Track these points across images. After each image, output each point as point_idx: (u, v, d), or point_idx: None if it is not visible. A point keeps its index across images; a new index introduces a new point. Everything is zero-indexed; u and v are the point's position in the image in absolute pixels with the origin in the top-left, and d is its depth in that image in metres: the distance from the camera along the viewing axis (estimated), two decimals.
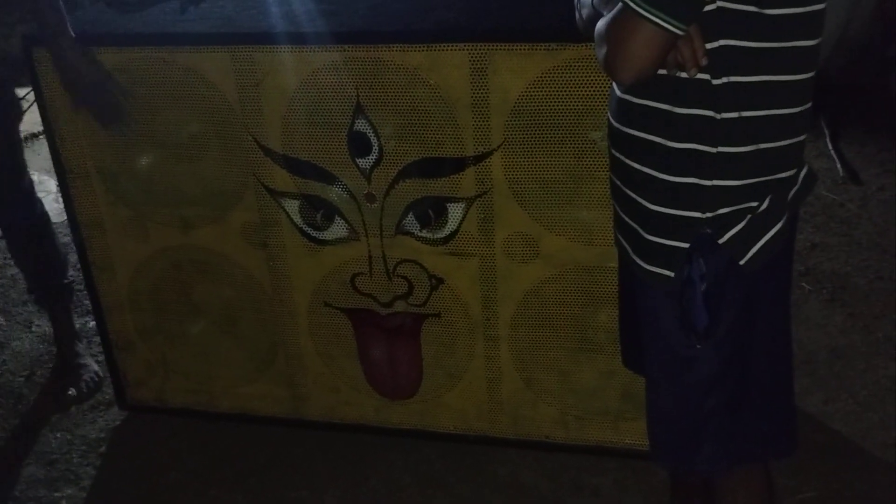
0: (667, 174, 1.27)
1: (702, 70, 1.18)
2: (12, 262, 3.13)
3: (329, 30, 1.92)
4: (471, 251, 1.96)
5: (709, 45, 1.17)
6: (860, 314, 2.61)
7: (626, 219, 1.37)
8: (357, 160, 1.92)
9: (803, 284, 2.75)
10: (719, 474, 1.47)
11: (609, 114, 1.37)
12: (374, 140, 1.89)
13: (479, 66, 1.78)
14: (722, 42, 1.18)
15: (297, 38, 1.90)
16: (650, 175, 1.28)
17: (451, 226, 1.95)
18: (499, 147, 1.84)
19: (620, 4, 1.13)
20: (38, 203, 2.37)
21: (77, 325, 2.65)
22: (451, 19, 1.91)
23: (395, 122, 1.88)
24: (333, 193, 1.98)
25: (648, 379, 1.48)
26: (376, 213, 1.97)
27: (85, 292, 2.38)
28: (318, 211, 2.01)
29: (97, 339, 2.51)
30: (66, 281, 2.50)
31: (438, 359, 2.12)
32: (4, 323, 2.84)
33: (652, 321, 1.40)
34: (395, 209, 1.96)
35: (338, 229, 2.02)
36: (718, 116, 1.21)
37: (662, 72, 1.20)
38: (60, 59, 1.93)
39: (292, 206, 2.02)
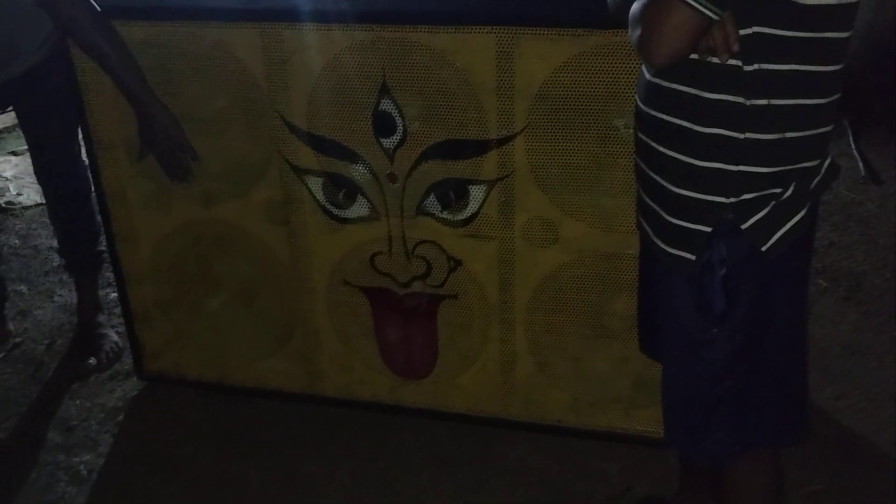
0: (693, 158, 1.28)
1: (733, 56, 1.19)
2: (36, 233, 3.20)
3: (357, 10, 1.94)
4: (490, 234, 1.98)
5: (742, 32, 1.18)
6: (875, 312, 2.61)
7: (650, 202, 1.39)
8: (381, 140, 1.94)
9: (819, 281, 2.75)
10: (729, 460, 1.49)
11: (637, 97, 1.38)
12: (398, 120, 1.91)
13: (505, 49, 1.79)
14: (755, 29, 1.19)
15: (326, 17, 1.91)
16: (676, 159, 1.30)
17: (471, 208, 1.97)
18: (522, 131, 1.85)
19: None
20: (83, 171, 2.41)
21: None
22: (479, 2, 1.92)
23: (420, 104, 1.89)
24: (356, 172, 2.00)
25: (664, 362, 1.50)
26: (398, 194, 1.99)
27: (108, 263, 2.42)
28: (341, 189, 2.03)
29: (117, 310, 2.55)
30: (98, 249, 2.54)
31: (454, 340, 2.14)
32: (27, 292, 2.88)
33: (670, 304, 1.42)
34: (416, 190, 1.98)
35: (359, 208, 2.04)
36: (748, 103, 1.22)
37: (694, 56, 1.21)
38: (145, 113, 1.98)
39: (315, 183, 2.04)
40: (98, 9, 1.93)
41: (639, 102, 1.37)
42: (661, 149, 1.32)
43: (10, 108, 2.43)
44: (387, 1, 1.96)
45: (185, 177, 2.07)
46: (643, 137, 1.37)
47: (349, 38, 1.88)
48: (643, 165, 1.39)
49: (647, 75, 1.33)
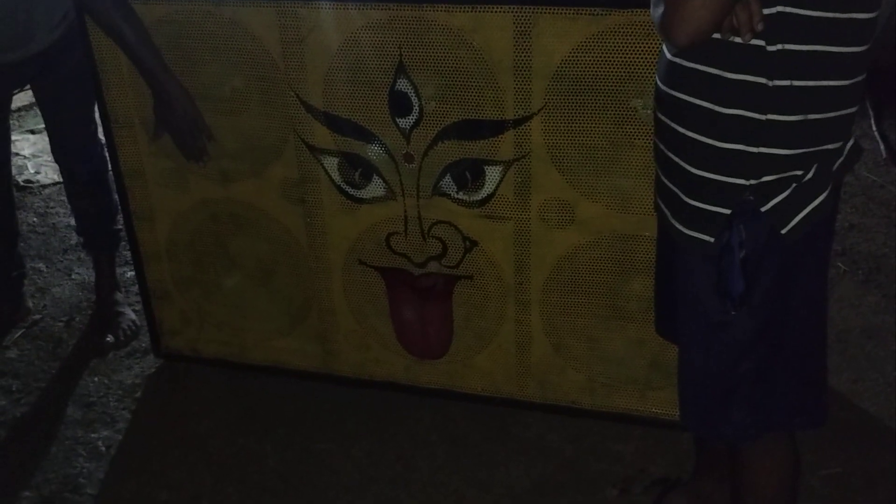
0: (713, 139, 1.27)
1: (756, 36, 1.17)
2: (54, 211, 3.22)
3: None
4: (506, 215, 1.97)
5: (766, 11, 1.16)
6: (894, 295, 2.59)
7: (668, 183, 1.38)
8: (397, 120, 1.93)
9: (839, 264, 2.73)
10: (746, 442, 1.48)
11: (657, 77, 1.36)
12: (414, 100, 1.90)
13: (522, 29, 1.77)
14: (779, 8, 1.17)
15: None
16: (696, 139, 1.28)
17: (487, 188, 1.96)
18: (539, 111, 1.84)
19: None
20: (99, 149, 2.42)
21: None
22: None
23: (437, 83, 1.88)
24: (372, 152, 1.99)
25: (681, 343, 1.49)
26: (414, 174, 1.99)
27: (125, 242, 2.43)
28: (357, 169, 2.03)
29: (135, 288, 2.56)
30: (115, 227, 2.55)
31: (469, 321, 2.14)
32: (46, 270, 2.91)
33: (688, 285, 1.41)
34: (432, 170, 1.97)
35: (375, 188, 2.04)
36: (770, 84, 1.21)
37: (716, 36, 1.20)
38: (162, 92, 1.98)
39: (331, 163, 2.04)
40: None
41: (659, 83, 1.35)
42: (682, 130, 1.30)
43: (28, 86, 2.43)
44: None
45: (201, 156, 2.08)
46: (663, 118, 1.35)
47: (366, 16, 1.87)
48: (662, 146, 1.37)
49: (668, 55, 1.31)
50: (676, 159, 1.33)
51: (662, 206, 1.42)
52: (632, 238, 1.91)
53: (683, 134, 1.30)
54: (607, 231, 1.93)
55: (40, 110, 2.47)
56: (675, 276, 1.46)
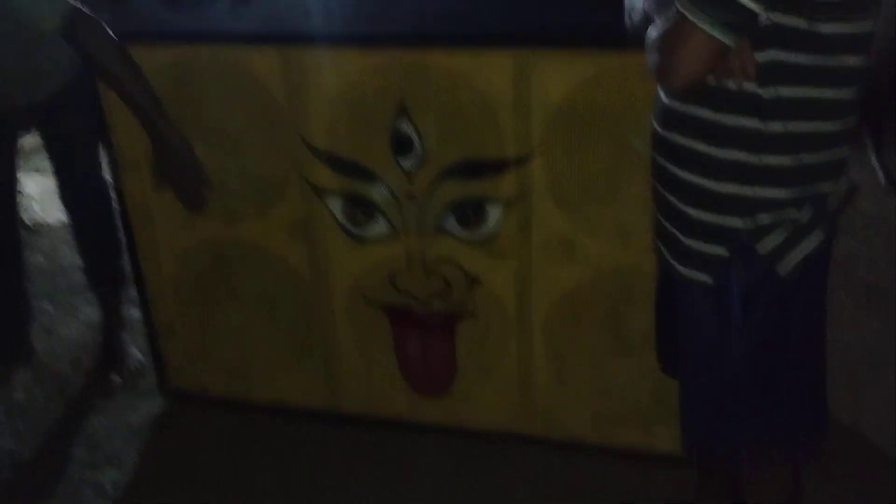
0: (709, 181, 1.29)
1: (750, 81, 1.20)
2: (61, 251, 3.25)
3: (375, 32, 1.96)
4: (508, 251, 2.00)
5: (759, 57, 1.19)
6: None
7: (666, 223, 1.40)
8: (399, 159, 1.96)
9: (840, 293, 2.74)
10: (745, 472, 1.49)
11: (653, 119, 1.39)
12: (416, 140, 1.93)
13: (522, 70, 1.81)
14: (772, 55, 1.20)
15: (344, 40, 1.94)
16: (692, 181, 1.31)
17: (489, 226, 1.98)
18: (539, 150, 1.87)
19: (674, 13, 1.16)
20: (105, 189, 2.45)
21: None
22: (495, 23, 1.94)
23: (438, 124, 1.91)
24: (375, 191, 2.02)
25: (682, 373, 1.51)
26: (416, 212, 2.01)
27: (131, 281, 2.45)
28: (360, 208, 2.05)
29: (141, 327, 2.58)
30: (121, 266, 2.57)
31: (473, 357, 2.16)
32: (52, 310, 2.92)
33: (688, 318, 1.43)
34: (435, 208, 2.00)
35: (378, 227, 2.06)
36: (764, 127, 1.23)
37: (710, 80, 1.23)
38: (162, 143, 1.95)
39: (335, 202, 2.07)
40: (115, 38, 1.93)
41: (655, 125, 1.38)
42: (677, 171, 1.33)
43: (35, 130, 2.47)
44: (405, 23, 1.99)
45: (201, 207, 2.07)
46: (659, 159, 1.38)
47: (367, 60, 1.91)
48: (659, 187, 1.40)
49: (664, 98, 1.34)
50: (673, 200, 1.36)
51: (661, 245, 1.44)
52: (632, 272, 1.93)
53: (679, 175, 1.33)
54: (608, 266, 1.95)
55: (47, 152, 2.50)
56: (674, 312, 1.48)
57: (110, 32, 1.93)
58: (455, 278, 2.07)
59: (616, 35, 1.57)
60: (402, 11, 2.10)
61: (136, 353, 2.62)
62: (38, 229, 3.44)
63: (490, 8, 2.03)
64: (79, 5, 1.92)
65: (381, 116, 1.94)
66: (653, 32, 1.23)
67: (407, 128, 1.93)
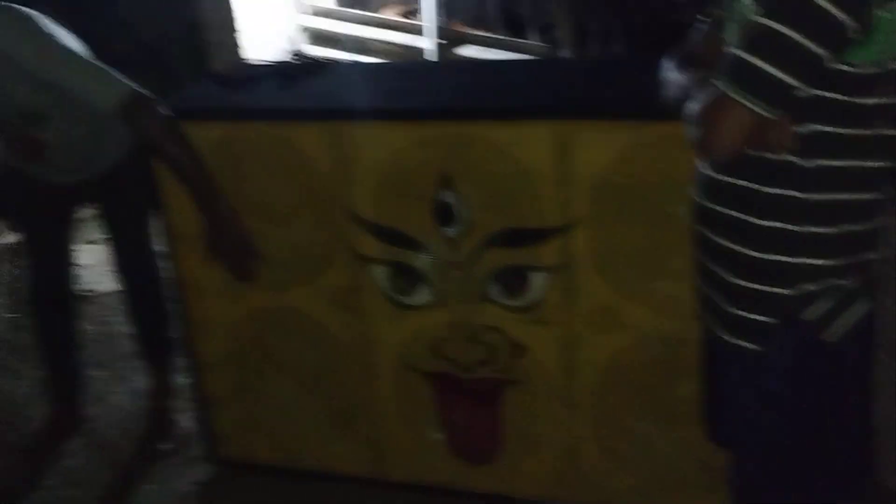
0: (752, 250, 1.30)
1: (790, 152, 1.22)
2: (112, 320, 3.32)
3: (418, 106, 2.03)
4: (552, 319, 2.01)
5: (799, 129, 1.22)
6: None
7: (710, 292, 1.41)
8: (443, 229, 2.00)
9: (883, 357, 2.69)
10: None
11: (694, 189, 1.42)
12: (459, 210, 1.97)
13: (562, 141, 1.85)
14: (811, 127, 1.22)
15: (388, 114, 2.01)
16: (734, 250, 1.32)
17: (533, 294, 2.00)
18: (581, 219, 1.90)
19: (713, 87, 1.19)
20: (156, 260, 2.52)
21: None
22: (535, 96, 1.99)
23: (481, 194, 1.95)
24: (419, 260, 2.06)
25: (730, 442, 1.50)
26: (460, 280, 2.04)
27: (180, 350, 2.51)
28: (405, 276, 2.09)
29: (189, 395, 2.62)
30: (170, 336, 2.63)
31: (518, 425, 2.16)
32: (103, 377, 2.98)
33: (734, 386, 1.42)
34: (478, 277, 2.02)
35: (423, 295, 2.09)
36: (805, 197, 1.25)
37: (750, 151, 1.25)
38: (214, 217, 2.05)
39: (380, 271, 2.11)
40: (170, 118, 2.02)
41: (696, 195, 1.40)
42: (720, 240, 1.35)
43: (92, 202, 2.57)
44: (447, 97, 2.05)
45: (250, 278, 2.14)
46: (700, 229, 1.40)
47: (411, 133, 1.96)
48: (702, 256, 1.41)
49: (705, 170, 1.36)
50: (716, 269, 1.37)
51: (706, 314, 1.45)
52: (678, 341, 1.92)
53: (722, 245, 1.34)
54: (653, 334, 1.95)
55: (102, 224, 2.59)
56: (720, 381, 1.48)
57: (165, 112, 2.02)
58: (499, 346, 2.08)
59: (655, 107, 1.61)
60: (443, 86, 2.17)
61: (185, 420, 2.65)
62: (91, 298, 3.53)
63: (529, 81, 2.09)
64: (137, 88, 2.02)
65: (424, 187, 1.98)
66: (692, 106, 1.26)
67: (450, 198, 1.97)
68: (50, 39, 2.02)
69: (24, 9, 2.07)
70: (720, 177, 1.32)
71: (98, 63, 2.06)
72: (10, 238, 3.85)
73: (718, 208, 1.34)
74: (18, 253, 3.64)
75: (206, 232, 2.08)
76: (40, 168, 2.30)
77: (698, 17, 1.49)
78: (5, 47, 2.00)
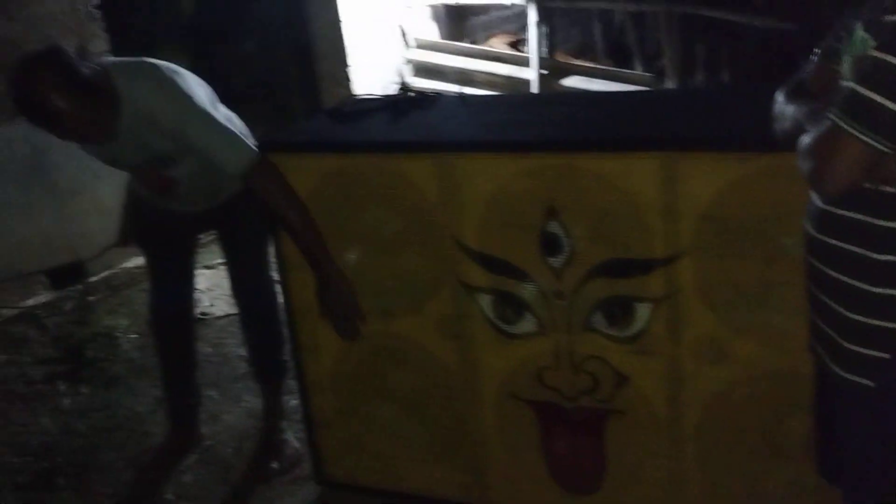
0: (867, 284, 1.28)
1: None
2: (226, 342, 3.47)
3: (525, 138, 2.07)
4: (657, 351, 2.00)
5: None
6: None
7: (823, 326, 1.39)
8: (548, 259, 2.03)
9: None
10: None
11: (807, 223, 1.40)
12: (565, 241, 2.00)
13: (669, 172, 1.85)
14: None
15: (496, 146, 2.05)
16: (850, 284, 1.30)
17: (638, 325, 2.00)
18: (688, 250, 1.89)
19: (828, 121, 1.18)
20: (272, 286, 2.65)
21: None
22: (642, 128, 2.00)
23: (586, 224, 1.97)
24: (525, 290, 2.08)
25: (844, 480, 1.46)
26: (565, 310, 2.06)
27: (291, 372, 2.60)
28: (510, 306, 2.12)
29: (299, 416, 2.71)
30: (283, 359, 2.74)
31: (621, 456, 2.14)
32: (217, 397, 3.12)
33: (849, 422, 1.39)
34: (583, 306, 2.03)
35: (527, 324, 2.12)
36: None
37: (867, 184, 1.23)
38: (323, 276, 2.22)
39: (485, 300, 2.14)
40: (287, 183, 2.18)
41: (809, 228, 1.39)
42: (835, 274, 1.33)
43: (212, 230, 2.71)
44: (553, 129, 2.08)
45: (353, 338, 2.28)
46: (814, 262, 1.38)
47: (518, 164, 2.00)
48: (815, 290, 1.39)
49: (818, 202, 1.35)
50: (831, 303, 1.35)
51: (818, 348, 1.43)
52: (788, 375, 1.88)
53: (836, 279, 1.32)
54: (762, 368, 1.91)
55: (222, 250, 2.73)
56: (833, 417, 1.45)
57: (284, 178, 2.19)
58: (603, 376, 2.08)
59: (763, 138, 1.60)
60: (550, 117, 2.21)
61: (294, 441, 2.75)
62: (207, 321, 3.69)
63: (636, 113, 2.10)
64: (260, 154, 2.18)
65: (530, 217, 2.01)
66: (806, 139, 1.26)
67: (556, 228, 2.00)
68: (190, 103, 2.20)
69: (168, 68, 2.26)
70: (834, 209, 1.31)
71: (229, 127, 2.23)
72: (138, 261, 4.09)
73: (832, 241, 1.32)
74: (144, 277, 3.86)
75: (317, 289, 2.24)
76: (169, 200, 2.46)
77: (812, 48, 1.48)
78: (150, 107, 2.19)
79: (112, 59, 2.45)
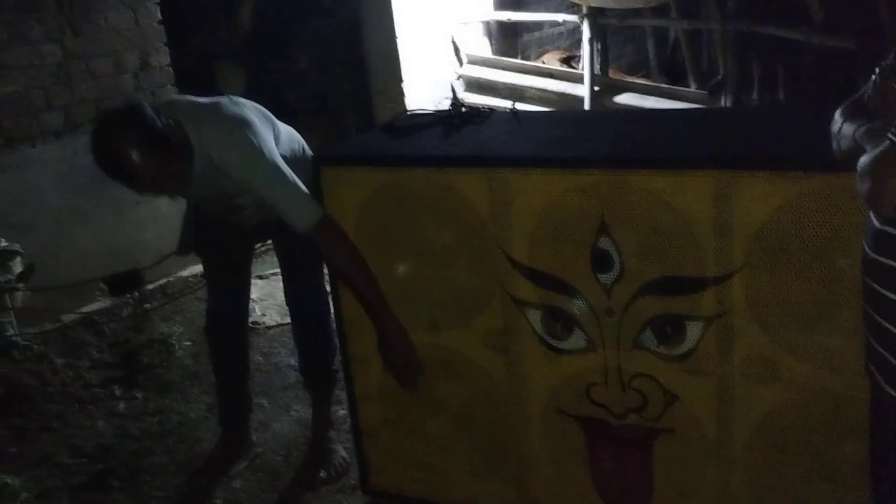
0: None
1: None
2: (277, 351, 3.53)
3: (578, 154, 2.07)
4: (708, 370, 1.98)
5: None
6: None
7: (880, 348, 1.37)
8: (599, 275, 2.03)
9: None
10: None
11: (864, 242, 1.39)
12: (616, 257, 1.99)
13: (722, 191, 1.84)
14: None
15: (548, 162, 2.06)
16: None
17: (688, 343, 1.99)
18: (740, 269, 1.87)
19: (887, 139, 1.17)
20: (325, 297, 2.69)
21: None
22: (695, 146, 1.99)
23: (638, 242, 1.97)
24: (574, 306, 2.08)
25: None
26: (614, 327, 2.05)
27: (341, 382, 2.63)
28: (559, 321, 2.12)
29: (347, 426, 2.74)
30: (333, 369, 2.78)
31: (669, 475, 2.13)
32: (268, 405, 3.17)
33: None
34: (633, 324, 2.03)
35: (576, 340, 2.12)
36: None
37: None
38: (382, 329, 2.29)
39: (534, 315, 2.15)
40: (350, 242, 2.25)
41: (867, 249, 1.37)
42: (892, 295, 1.31)
43: (269, 241, 2.77)
44: (606, 147, 2.09)
45: (412, 388, 2.33)
46: (871, 283, 1.36)
47: (570, 180, 2.01)
48: (871, 311, 1.38)
49: (876, 222, 1.33)
50: (887, 325, 1.33)
51: (874, 370, 1.41)
52: (842, 398, 1.86)
53: (893, 300, 1.30)
54: (815, 389, 1.88)
55: (278, 260, 2.78)
56: (890, 439, 1.42)
57: (345, 235, 2.25)
58: (652, 394, 2.07)
59: (819, 157, 1.59)
60: (602, 134, 2.21)
61: (342, 450, 2.78)
62: (258, 330, 3.76)
63: (690, 131, 2.09)
64: (323, 211, 2.24)
65: (581, 233, 2.02)
66: (865, 159, 1.25)
67: (607, 245, 2.00)
68: (258, 158, 2.25)
69: (235, 116, 2.31)
70: (892, 230, 1.29)
71: (296, 184, 2.27)
72: (193, 270, 4.19)
73: (890, 262, 1.30)
74: (199, 286, 3.96)
75: (378, 342, 2.31)
76: (233, 216, 2.53)
77: (871, 67, 1.47)
78: (220, 157, 2.25)
79: (181, 100, 2.50)
